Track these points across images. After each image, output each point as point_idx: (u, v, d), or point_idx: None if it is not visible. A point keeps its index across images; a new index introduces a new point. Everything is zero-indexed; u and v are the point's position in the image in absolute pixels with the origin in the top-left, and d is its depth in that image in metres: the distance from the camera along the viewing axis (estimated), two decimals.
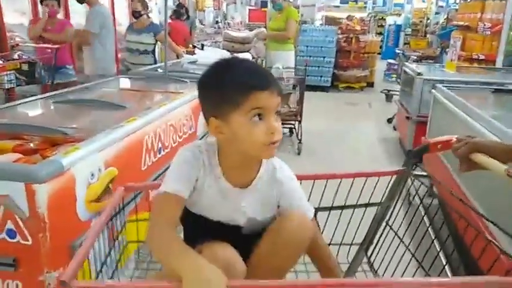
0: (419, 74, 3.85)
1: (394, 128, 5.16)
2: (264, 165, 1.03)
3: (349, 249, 1.44)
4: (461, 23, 6.25)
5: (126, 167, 1.95)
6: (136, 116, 2.14)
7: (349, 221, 1.41)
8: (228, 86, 0.91)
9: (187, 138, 2.65)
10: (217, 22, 10.18)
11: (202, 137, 2.97)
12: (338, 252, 1.38)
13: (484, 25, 5.52)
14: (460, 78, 3.61)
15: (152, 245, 0.89)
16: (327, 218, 1.35)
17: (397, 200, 1.35)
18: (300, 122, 4.61)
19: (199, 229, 1.02)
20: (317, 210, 1.24)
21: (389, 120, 5.73)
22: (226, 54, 4.42)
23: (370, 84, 8.53)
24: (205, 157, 0.99)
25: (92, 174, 1.71)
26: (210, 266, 0.77)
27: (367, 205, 1.39)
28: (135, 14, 4.29)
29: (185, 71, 3.73)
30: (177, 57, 4.58)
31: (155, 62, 4.33)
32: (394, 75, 7.67)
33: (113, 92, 2.94)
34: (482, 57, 5.48)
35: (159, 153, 2.25)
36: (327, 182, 1.34)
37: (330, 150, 4.56)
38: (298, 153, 4.46)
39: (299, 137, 4.56)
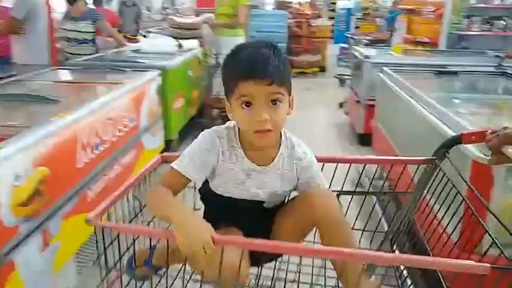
0: (366, 57, 3.88)
1: (346, 113, 5.22)
2: (284, 142, 1.06)
3: (373, 236, 1.32)
4: (406, 6, 6.38)
5: (59, 166, 1.81)
6: (70, 110, 1.99)
7: (372, 207, 1.35)
8: (227, 73, 0.98)
9: (128, 131, 2.51)
10: (164, 8, 9.85)
11: (147, 129, 2.84)
12: (360, 238, 1.28)
13: (428, 8, 5.66)
14: (406, 61, 3.66)
15: (149, 201, 1.02)
16: (349, 203, 1.25)
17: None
18: None
19: (222, 208, 1.09)
20: (340, 193, 1.19)
21: (341, 105, 5.78)
22: (172, 42, 4.25)
23: (323, 69, 8.60)
24: (224, 142, 1.03)
25: (17, 176, 1.56)
26: (197, 216, 0.89)
27: (392, 193, 1.32)
28: (70, 0, 4.00)
29: (127, 60, 3.55)
30: (120, 46, 4.36)
31: (96, 51, 4.09)
32: (347, 60, 7.76)
33: (46, 85, 2.73)
34: (426, 40, 5.63)
35: (97, 149, 2.11)
36: (350, 166, 1.26)
37: None
38: None
39: None
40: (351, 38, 7.47)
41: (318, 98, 6.86)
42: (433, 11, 5.59)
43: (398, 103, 2.43)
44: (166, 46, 4.11)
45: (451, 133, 1.65)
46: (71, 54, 4.03)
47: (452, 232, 1.16)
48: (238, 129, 1.03)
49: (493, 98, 2.61)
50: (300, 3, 8.89)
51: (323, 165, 1.22)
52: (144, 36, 4.76)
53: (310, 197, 1.05)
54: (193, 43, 4.42)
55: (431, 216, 1.22)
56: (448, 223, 1.16)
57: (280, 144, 1.05)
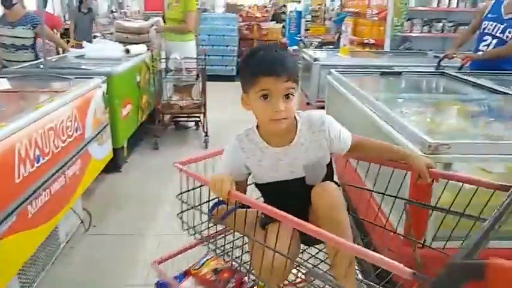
0: (315, 59, 3.96)
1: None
2: (299, 121, 1.18)
3: None
4: (352, 9, 6.58)
5: None
6: (6, 121, 1.87)
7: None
8: (248, 70, 1.11)
9: (73, 141, 2.40)
10: (112, 12, 9.56)
11: (93, 139, 2.73)
12: None
13: (372, 11, 5.86)
14: (352, 63, 3.77)
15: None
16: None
17: None
18: (204, 114, 4.48)
19: (272, 194, 1.23)
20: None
21: None
22: (119, 47, 4.12)
23: None
24: (245, 142, 1.21)
25: None
26: (228, 175, 1.11)
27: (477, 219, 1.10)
28: (6, 3, 3.76)
29: (71, 66, 3.39)
30: (63, 51, 4.17)
31: (37, 58, 3.89)
32: (299, 62, 7.89)
33: None
34: (372, 41, 5.83)
35: (37, 161, 2.00)
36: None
37: None
38: (205, 147, 4.36)
39: (205, 130, 4.45)
40: (301, 40, 7.60)
41: None
42: (377, 14, 5.80)
43: (345, 104, 2.49)
44: (112, 51, 3.96)
45: (395, 134, 1.70)
46: (9, 61, 3.81)
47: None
48: (257, 126, 1.20)
49: (433, 97, 2.74)
50: (249, 7, 8.92)
51: None
52: (89, 42, 4.58)
53: (316, 186, 1.17)
54: (141, 48, 4.31)
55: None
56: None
57: (296, 125, 1.18)
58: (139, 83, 3.99)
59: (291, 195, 1.17)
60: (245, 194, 1.23)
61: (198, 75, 4.53)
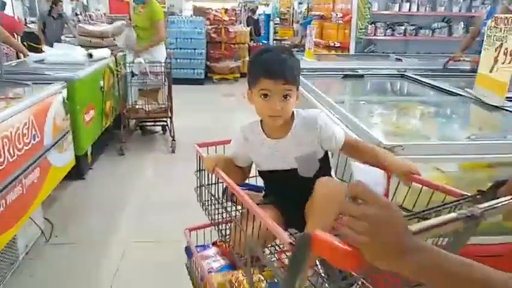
0: None
1: None
2: (295, 117, 1.28)
3: None
4: (318, 13, 6.68)
5: None
6: None
7: None
8: (252, 70, 1.23)
9: (30, 149, 2.32)
10: (76, 14, 9.32)
11: (52, 146, 2.65)
12: None
13: (337, 15, 5.98)
14: (317, 66, 3.82)
15: None
16: None
17: None
18: (171, 118, 4.44)
19: (270, 180, 1.37)
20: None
21: None
22: (81, 51, 4.01)
23: (244, 75, 8.68)
24: (248, 132, 1.33)
25: None
26: (219, 156, 1.33)
27: None
28: None
29: (29, 72, 3.28)
30: (22, 56, 4.04)
31: None
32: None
33: None
34: (338, 44, 5.94)
35: None
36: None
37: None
38: (172, 151, 4.31)
39: (172, 134, 4.40)
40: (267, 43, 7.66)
41: (240, 103, 6.91)
42: (342, 17, 5.92)
43: (309, 107, 2.53)
44: (74, 55, 3.86)
45: (355, 136, 1.74)
46: None
47: None
48: (261, 120, 1.31)
49: (392, 99, 2.81)
50: (216, 10, 8.91)
51: None
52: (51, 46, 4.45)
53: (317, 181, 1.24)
54: (104, 52, 4.22)
55: None
56: None
57: (293, 120, 1.28)
58: (103, 87, 3.91)
59: (286, 185, 1.29)
60: (246, 177, 1.41)
61: (164, 79, 4.48)
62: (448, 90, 2.66)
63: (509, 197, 0.84)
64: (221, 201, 1.34)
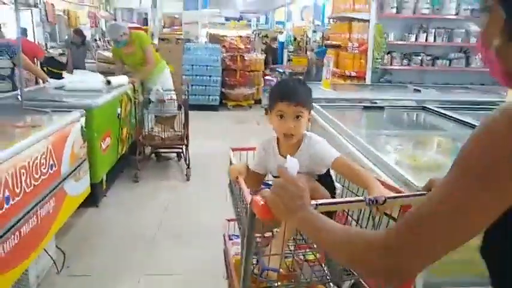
0: None
1: None
2: (304, 142, 1.50)
3: None
4: (333, 42, 6.70)
5: None
6: None
7: None
8: (271, 96, 1.51)
9: (47, 179, 2.29)
10: (95, 40, 9.55)
11: (69, 175, 2.62)
12: None
13: (353, 44, 5.98)
14: (335, 96, 3.78)
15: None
16: None
17: None
18: (187, 145, 4.41)
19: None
20: None
21: None
22: (100, 78, 4.05)
23: (258, 101, 8.72)
24: (269, 146, 1.58)
25: None
26: (243, 165, 1.58)
27: None
28: None
29: (49, 99, 3.30)
30: (42, 82, 4.09)
31: (14, 89, 3.79)
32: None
33: None
34: (353, 74, 5.92)
35: (7, 203, 1.89)
36: None
37: (221, 173, 4.33)
38: (187, 179, 4.26)
39: (187, 162, 4.36)
40: (278, 71, 7.78)
41: (254, 130, 6.90)
42: (358, 47, 5.92)
43: (328, 139, 2.47)
44: (93, 82, 3.89)
45: (378, 171, 1.68)
46: None
47: None
48: (278, 138, 1.54)
49: (416, 133, 2.74)
50: (232, 37, 9.03)
51: None
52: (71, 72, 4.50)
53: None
54: (123, 79, 4.25)
55: None
56: None
57: (301, 143, 1.51)
58: (120, 115, 3.92)
59: None
60: (261, 182, 1.63)
61: (180, 106, 4.49)
62: (474, 125, 2.59)
63: (410, 193, 1.18)
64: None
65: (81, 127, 2.87)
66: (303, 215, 0.89)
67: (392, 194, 1.23)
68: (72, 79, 4.00)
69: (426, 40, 5.93)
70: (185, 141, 4.39)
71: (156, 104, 4.39)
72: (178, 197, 3.89)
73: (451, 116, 2.87)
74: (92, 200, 3.36)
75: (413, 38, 5.91)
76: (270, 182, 1.67)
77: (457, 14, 5.84)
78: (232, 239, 1.80)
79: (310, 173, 1.52)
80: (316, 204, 0.99)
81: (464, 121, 2.70)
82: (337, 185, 1.59)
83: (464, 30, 5.96)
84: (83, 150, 2.91)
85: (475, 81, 6.13)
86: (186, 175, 4.29)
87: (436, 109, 3.12)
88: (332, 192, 1.54)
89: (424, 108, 3.25)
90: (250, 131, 6.79)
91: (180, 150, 4.71)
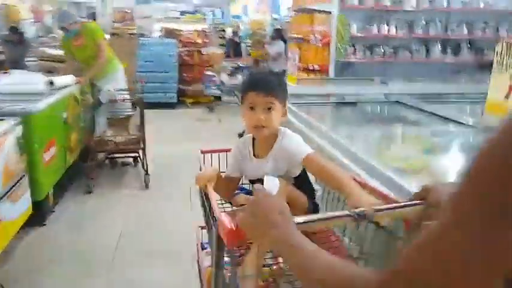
0: None
1: None
2: (278, 139, 1.37)
3: None
4: (295, 35, 6.50)
5: None
6: None
7: None
8: (242, 88, 1.39)
9: None
10: (39, 37, 8.80)
11: (2, 197, 2.21)
12: None
13: (315, 37, 5.80)
14: (303, 92, 3.54)
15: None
16: None
17: None
18: (143, 149, 4.04)
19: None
20: None
21: (241, 135, 5.59)
22: (41, 78, 3.58)
23: (218, 98, 8.39)
24: (241, 147, 1.45)
25: None
26: (212, 171, 1.40)
27: None
28: None
29: None
30: None
31: None
32: (216, 87, 7.63)
33: None
34: (317, 67, 5.74)
35: None
36: None
37: (183, 178, 3.93)
38: (147, 187, 3.90)
39: (145, 168, 3.99)
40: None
41: (215, 128, 6.59)
42: (320, 40, 5.74)
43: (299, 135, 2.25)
44: (32, 84, 3.42)
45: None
46: None
47: None
48: (253, 138, 1.42)
49: (396, 130, 2.56)
50: (189, 32, 8.63)
51: None
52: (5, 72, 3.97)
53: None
54: (68, 79, 3.81)
55: None
56: None
57: (276, 141, 1.38)
58: (67, 119, 3.49)
59: None
60: (236, 187, 1.49)
61: (135, 106, 4.11)
62: (455, 120, 2.44)
63: (403, 203, 0.99)
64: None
65: (17, 138, 2.45)
66: (279, 232, 0.75)
67: (379, 203, 1.07)
68: (7, 81, 3.51)
69: (388, 32, 5.85)
70: (141, 144, 4.02)
71: (108, 105, 3.99)
72: (138, 208, 3.52)
73: (425, 110, 2.72)
74: (37, 218, 2.95)
75: (375, 30, 5.81)
76: (246, 186, 1.58)
77: (416, 6, 5.80)
78: (205, 248, 1.69)
79: (287, 175, 1.39)
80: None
81: (440, 115, 2.55)
82: (317, 186, 1.45)
83: (425, 22, 5.94)
84: (21, 166, 2.50)
85: (435, 73, 6.15)
86: (144, 182, 3.93)
87: (409, 103, 2.97)
88: (311, 196, 1.42)
89: (397, 102, 3.09)
90: (211, 129, 6.47)
91: (137, 155, 4.33)
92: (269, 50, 8.01)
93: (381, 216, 0.95)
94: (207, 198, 1.33)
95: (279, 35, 8.30)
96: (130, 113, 4.17)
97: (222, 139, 5.74)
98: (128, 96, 4.14)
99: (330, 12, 5.61)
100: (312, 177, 1.43)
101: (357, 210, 0.91)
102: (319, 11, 5.83)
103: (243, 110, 1.36)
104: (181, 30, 8.79)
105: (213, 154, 1.60)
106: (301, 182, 1.40)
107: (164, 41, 8.09)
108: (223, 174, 1.47)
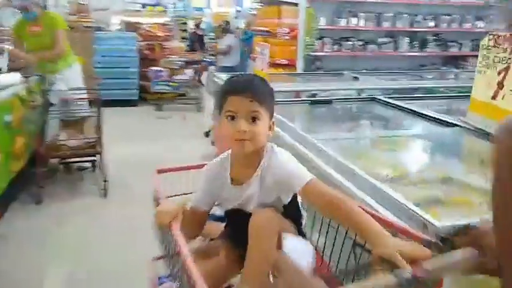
0: None
1: (213, 143, 4.74)
2: (266, 157, 1.14)
3: None
4: (261, 28, 6.27)
5: None
6: None
7: None
8: (219, 94, 1.14)
9: None
10: None
11: None
12: None
13: (283, 30, 5.60)
14: (275, 90, 3.32)
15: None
16: None
17: None
18: (101, 153, 3.69)
19: (230, 215, 1.24)
20: None
21: (207, 134, 5.31)
22: None
23: (183, 94, 8.03)
24: (219, 168, 1.19)
25: None
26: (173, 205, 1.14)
27: None
28: None
29: None
30: None
31: None
32: (166, 84, 7.18)
33: None
34: (284, 62, 5.55)
35: None
36: None
37: (146, 183, 3.63)
38: (105, 196, 3.56)
39: (103, 174, 3.65)
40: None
41: (180, 126, 6.27)
42: (288, 33, 5.54)
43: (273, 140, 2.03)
44: None
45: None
46: None
47: None
48: (231, 156, 1.18)
49: (384, 133, 2.38)
50: (149, 25, 8.22)
51: None
52: None
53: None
54: (12, 77, 3.41)
55: None
56: None
57: (261, 159, 1.15)
58: (11, 123, 3.11)
59: (245, 223, 1.11)
60: (205, 221, 1.23)
61: (91, 104, 3.76)
62: (439, 119, 2.29)
63: (460, 252, 0.78)
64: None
65: None
66: None
67: (410, 246, 0.84)
68: None
69: (358, 24, 5.73)
70: (99, 148, 3.67)
71: (60, 106, 3.61)
72: (94, 221, 3.17)
73: (405, 108, 2.57)
74: None
75: (343, 23, 5.67)
76: (218, 213, 1.33)
77: None
78: (164, 282, 1.41)
79: (277, 204, 1.16)
80: None
81: (429, 116, 2.40)
82: (303, 212, 1.24)
83: (393, 14, 5.86)
84: None
85: (403, 66, 6.10)
86: (103, 190, 3.59)
87: (387, 100, 2.81)
88: (299, 223, 1.21)
89: (374, 100, 2.92)
90: (177, 128, 6.16)
91: (95, 159, 3.98)
92: (219, 44, 7.72)
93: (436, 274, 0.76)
94: (173, 241, 1.07)
95: (228, 28, 8.01)
96: (86, 114, 3.81)
97: (188, 139, 5.46)
98: (83, 96, 3.77)
99: (297, 5, 5.41)
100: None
101: (405, 274, 0.72)
102: (287, 3, 5.62)
103: (222, 121, 1.10)
104: (141, 23, 8.36)
105: (171, 172, 1.37)
106: (290, 209, 1.18)
107: (123, 35, 7.66)
108: (188, 202, 1.21)
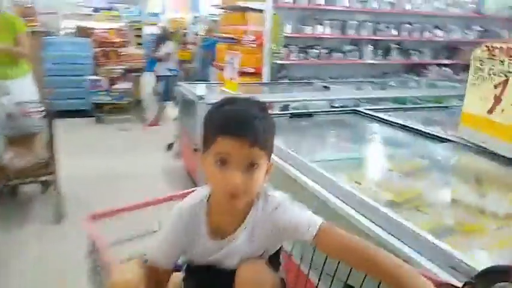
0: (200, 97, 3.23)
1: (177, 156, 4.45)
2: (256, 207, 0.96)
3: None
4: (225, 34, 6.05)
5: None
6: None
7: None
8: (207, 126, 0.92)
9: None
10: None
11: None
12: None
13: (249, 38, 5.41)
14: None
15: None
16: None
17: None
18: (54, 173, 3.29)
19: (197, 272, 1.03)
20: None
21: (170, 147, 4.99)
22: None
23: (139, 102, 7.62)
24: (192, 217, 0.97)
25: None
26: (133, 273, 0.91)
27: None
28: None
29: None
30: None
31: None
32: (104, 93, 6.71)
33: None
34: (251, 70, 5.36)
35: None
36: None
37: (105, 199, 3.19)
38: (59, 221, 3.17)
39: (57, 196, 3.25)
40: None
41: (140, 138, 5.90)
42: (254, 40, 5.36)
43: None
44: None
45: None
46: None
47: None
48: (209, 196, 0.98)
49: (380, 152, 2.22)
50: (103, 30, 7.76)
51: None
52: None
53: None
54: None
55: None
56: None
57: (251, 207, 0.96)
58: None
59: (216, 279, 0.96)
60: (168, 281, 1.01)
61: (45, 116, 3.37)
62: (431, 134, 2.17)
63: None
64: None
65: None
66: None
67: None
68: None
69: (323, 32, 5.65)
70: (51, 168, 3.27)
71: (4, 121, 3.20)
72: (47, 251, 2.78)
73: (391, 122, 2.45)
74: None
75: (309, 30, 5.57)
76: (179, 262, 1.09)
77: (349, 6, 5.67)
78: None
79: (264, 255, 1.00)
80: None
81: (417, 129, 2.28)
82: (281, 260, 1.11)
83: (357, 22, 5.83)
84: None
85: (366, 74, 6.10)
86: (57, 214, 3.20)
87: (368, 112, 2.69)
88: (278, 268, 1.07)
89: (355, 112, 2.79)
90: (137, 139, 5.79)
91: (47, 179, 3.56)
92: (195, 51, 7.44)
93: None
94: None
95: (166, 35, 7.67)
96: (36, 130, 3.40)
97: (147, 152, 5.11)
98: (34, 109, 3.37)
99: (262, 11, 5.25)
100: None
101: None
102: (252, 9, 5.44)
103: (208, 162, 0.90)
104: (94, 29, 7.88)
105: (109, 217, 1.17)
106: (274, 256, 1.03)
107: (76, 40, 7.16)
108: (144, 257, 1.01)
